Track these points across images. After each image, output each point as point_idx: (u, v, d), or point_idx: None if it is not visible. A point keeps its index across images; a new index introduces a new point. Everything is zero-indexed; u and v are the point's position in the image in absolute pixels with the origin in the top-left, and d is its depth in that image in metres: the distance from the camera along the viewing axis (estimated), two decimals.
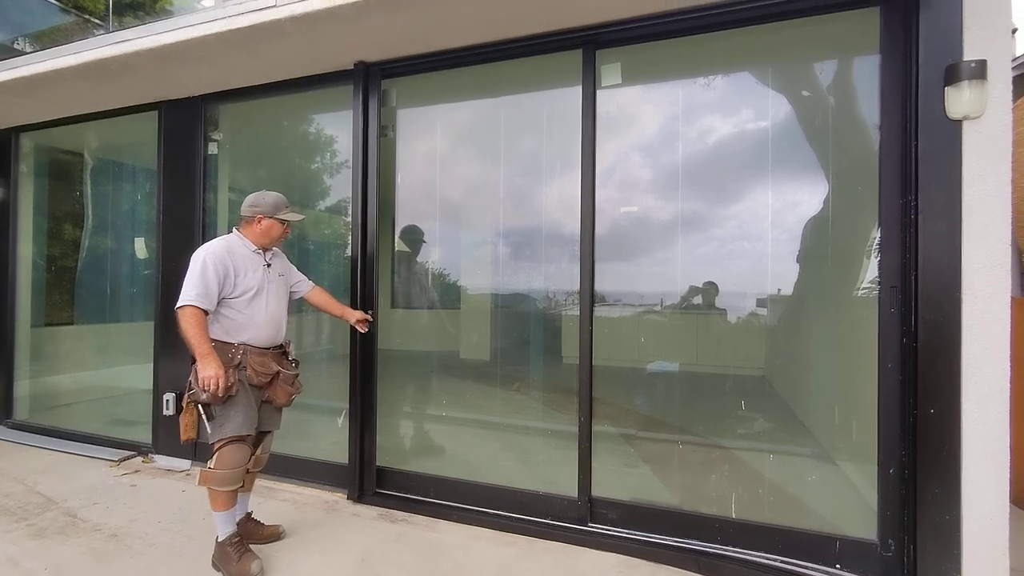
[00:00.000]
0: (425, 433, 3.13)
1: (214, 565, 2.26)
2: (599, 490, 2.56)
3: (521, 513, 2.65)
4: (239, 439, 2.20)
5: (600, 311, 2.61)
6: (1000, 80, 1.97)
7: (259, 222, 2.34)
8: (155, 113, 3.61)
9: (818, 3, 2.26)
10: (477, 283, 3.05)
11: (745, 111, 2.48)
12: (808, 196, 2.39)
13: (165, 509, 2.84)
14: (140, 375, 3.71)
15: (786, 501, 2.37)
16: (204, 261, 2.18)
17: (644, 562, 2.35)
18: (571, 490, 2.58)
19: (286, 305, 2.46)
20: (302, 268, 3.41)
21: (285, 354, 2.44)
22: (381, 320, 3.06)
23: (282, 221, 2.38)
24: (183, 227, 3.50)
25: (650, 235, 2.62)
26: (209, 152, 3.52)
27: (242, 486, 2.31)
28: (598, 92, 2.60)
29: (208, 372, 2.09)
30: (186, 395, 2.19)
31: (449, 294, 3.15)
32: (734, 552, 2.31)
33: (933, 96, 2.04)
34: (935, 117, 2.04)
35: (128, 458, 3.58)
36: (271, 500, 2.95)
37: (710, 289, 2.56)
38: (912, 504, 2.04)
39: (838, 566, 2.18)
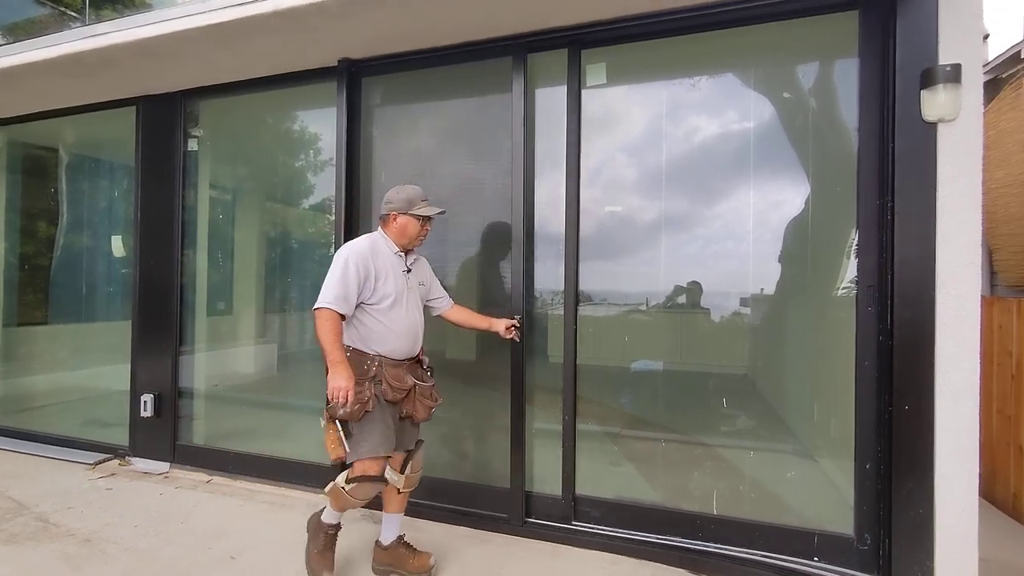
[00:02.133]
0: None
1: (308, 530, 2.20)
2: (583, 488, 2.57)
3: (455, 503, 2.68)
4: (379, 478, 2.06)
5: (585, 310, 2.62)
6: (973, 84, 2.02)
7: (394, 220, 2.16)
8: (133, 108, 3.55)
9: (799, 7, 2.29)
10: (462, 283, 3.03)
11: (728, 112, 2.51)
12: (790, 197, 2.42)
13: (142, 513, 2.79)
14: (117, 376, 3.63)
15: (767, 497, 2.40)
16: (347, 261, 2.01)
17: (627, 559, 2.37)
18: (556, 489, 2.59)
19: (422, 314, 2.25)
20: (285, 267, 3.35)
21: (419, 363, 2.24)
22: None
23: (418, 217, 2.17)
24: (161, 225, 3.44)
25: (635, 234, 2.63)
26: (189, 149, 3.46)
27: (389, 506, 2.23)
28: (583, 92, 2.62)
29: (338, 382, 1.90)
30: (324, 410, 2.01)
31: None
32: (715, 548, 2.34)
33: (910, 99, 2.09)
34: (911, 120, 2.08)
35: (104, 461, 3.50)
36: (251, 502, 2.91)
37: (694, 289, 2.58)
38: (887, 498, 2.08)
39: (816, 559, 2.22)
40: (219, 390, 3.58)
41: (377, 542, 2.25)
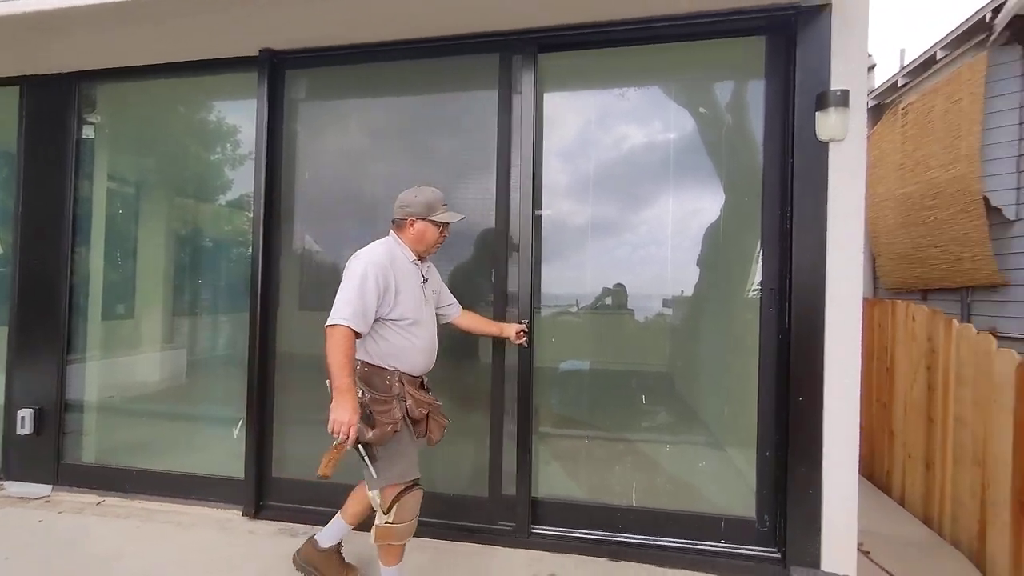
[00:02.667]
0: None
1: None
2: (510, 488, 2.61)
3: (436, 517, 2.63)
4: (415, 484, 1.92)
5: (515, 312, 2.65)
6: (858, 108, 2.26)
7: (411, 225, 2.00)
8: (15, 89, 3.15)
9: (714, 28, 2.45)
10: None
11: (653, 123, 2.63)
12: (707, 205, 2.58)
13: (17, 543, 2.49)
14: None
15: (681, 487, 2.56)
16: (365, 272, 1.84)
17: (551, 555, 2.43)
18: (483, 491, 2.61)
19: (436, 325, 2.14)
20: (197, 266, 3.13)
21: (422, 382, 2.10)
22: (287, 322, 2.90)
23: (437, 223, 2.03)
24: (48, 219, 3.09)
25: (565, 238, 2.70)
26: (84, 136, 3.13)
27: (349, 515, 2.12)
28: (514, 97, 2.64)
29: (342, 415, 1.73)
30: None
31: None
32: (634, 538, 2.46)
33: (806, 120, 2.30)
34: (808, 138, 2.30)
35: None
36: (149, 523, 2.68)
37: (619, 291, 2.69)
38: (783, 483, 2.29)
39: (723, 542, 2.40)
40: (115, 401, 3.27)
41: (312, 539, 2.14)
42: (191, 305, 3.30)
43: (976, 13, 4.46)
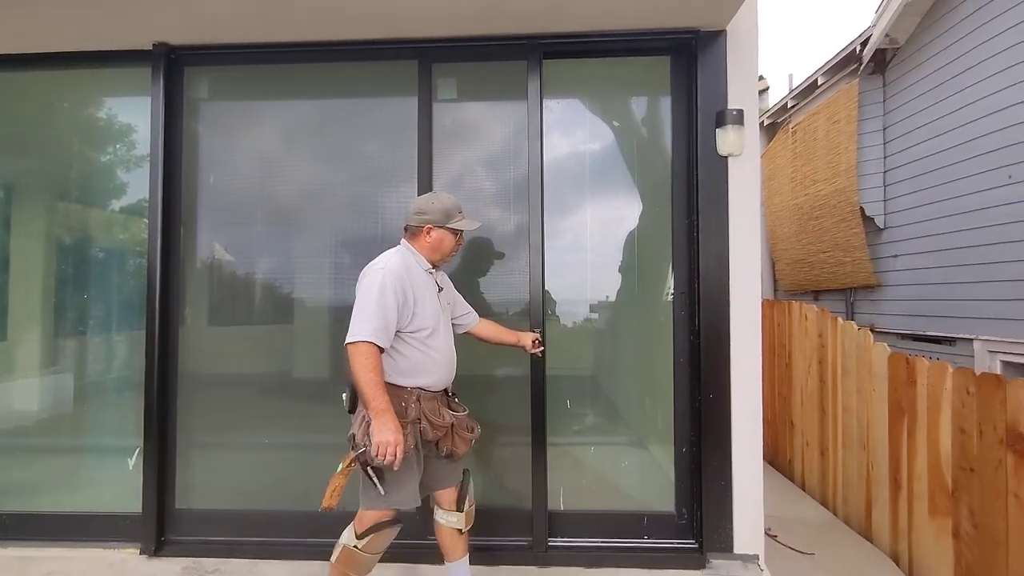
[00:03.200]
0: (243, 465, 2.79)
1: None
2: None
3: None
4: (397, 520, 1.83)
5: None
6: (752, 126, 2.48)
7: (428, 234, 1.90)
8: None
9: (627, 46, 2.58)
10: (313, 295, 2.84)
11: (576, 134, 2.72)
12: (628, 213, 2.70)
13: None
14: None
15: (607, 488, 2.64)
16: (383, 285, 1.73)
17: (484, 568, 2.40)
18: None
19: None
20: (85, 280, 2.86)
21: (446, 392, 1.98)
22: (193, 339, 2.69)
23: (454, 231, 1.93)
24: None
25: (492, 245, 2.70)
26: None
27: (453, 552, 1.96)
28: (434, 104, 2.64)
29: (387, 436, 1.63)
30: (353, 453, 1.73)
31: (281, 308, 2.87)
32: (561, 541, 2.49)
33: (708, 136, 2.48)
34: (709, 153, 2.47)
35: None
36: (29, 574, 2.36)
37: (545, 297, 2.74)
38: (698, 476, 2.43)
39: (646, 537, 2.49)
40: None
41: None
42: (78, 323, 2.95)
43: (848, 45, 5.06)
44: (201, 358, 2.72)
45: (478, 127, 2.73)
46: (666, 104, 2.65)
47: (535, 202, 2.54)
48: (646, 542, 2.48)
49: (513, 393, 2.61)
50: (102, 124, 2.98)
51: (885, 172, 4.91)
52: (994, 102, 3.81)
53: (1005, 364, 3.78)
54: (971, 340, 3.98)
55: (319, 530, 2.55)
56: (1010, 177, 3.67)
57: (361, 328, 1.71)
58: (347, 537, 1.82)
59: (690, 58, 2.52)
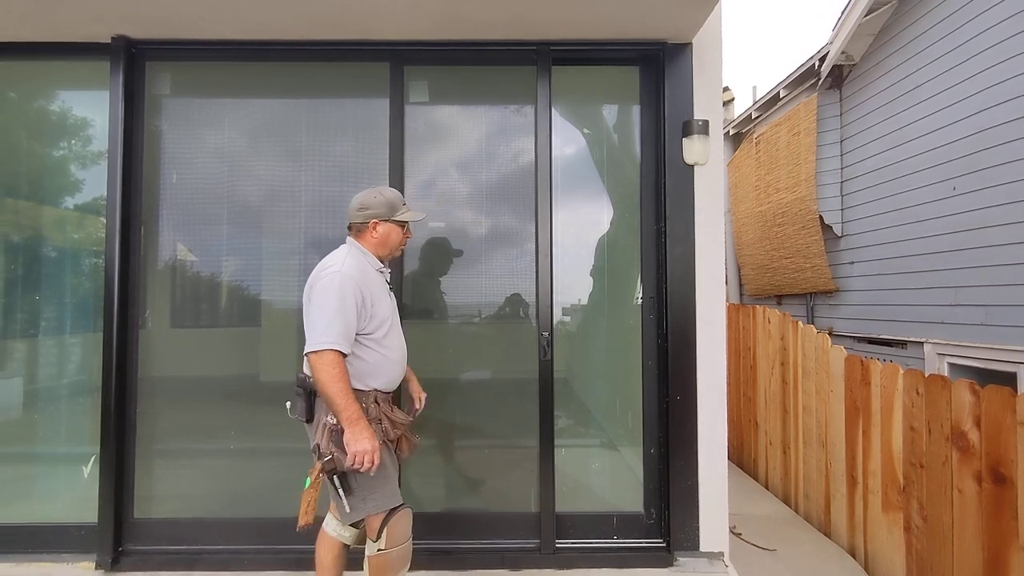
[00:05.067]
0: (207, 472, 2.71)
1: None
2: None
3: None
4: (401, 505, 1.78)
5: (412, 324, 2.61)
6: (717, 136, 2.56)
7: (374, 229, 1.87)
8: None
9: (599, 56, 2.63)
10: (281, 297, 2.78)
11: (553, 138, 2.72)
12: (601, 218, 2.75)
13: None
14: None
15: (579, 489, 2.66)
16: (342, 287, 1.68)
17: (446, 571, 2.39)
18: None
19: None
20: (35, 280, 2.76)
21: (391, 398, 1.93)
22: (154, 342, 2.60)
23: (401, 224, 1.91)
24: None
25: (462, 248, 2.71)
26: None
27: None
28: (406, 107, 2.63)
29: (363, 445, 1.60)
30: (319, 463, 1.66)
31: (247, 310, 2.81)
32: (530, 543, 2.50)
33: (675, 144, 2.55)
34: (676, 162, 2.55)
35: None
36: None
37: (516, 300, 2.76)
38: (665, 476, 2.48)
39: (615, 537, 2.53)
40: None
41: None
42: (28, 325, 2.81)
43: (807, 61, 5.28)
44: (163, 361, 2.64)
45: (449, 130, 2.73)
46: (635, 113, 2.72)
47: (543, 208, 2.57)
48: (615, 542, 2.52)
49: (515, 396, 2.60)
50: (54, 118, 2.85)
51: (842, 182, 5.13)
52: (939, 119, 4.04)
53: (952, 366, 3.99)
54: (921, 343, 4.19)
55: (286, 537, 2.50)
56: (954, 189, 3.90)
57: (323, 336, 1.65)
58: (369, 549, 1.76)
59: (658, 69, 2.59)
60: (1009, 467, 2.08)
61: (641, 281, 2.67)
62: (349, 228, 1.93)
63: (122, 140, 2.49)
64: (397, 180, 2.58)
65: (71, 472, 2.59)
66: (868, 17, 4.56)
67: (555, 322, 2.61)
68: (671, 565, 2.42)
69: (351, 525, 1.85)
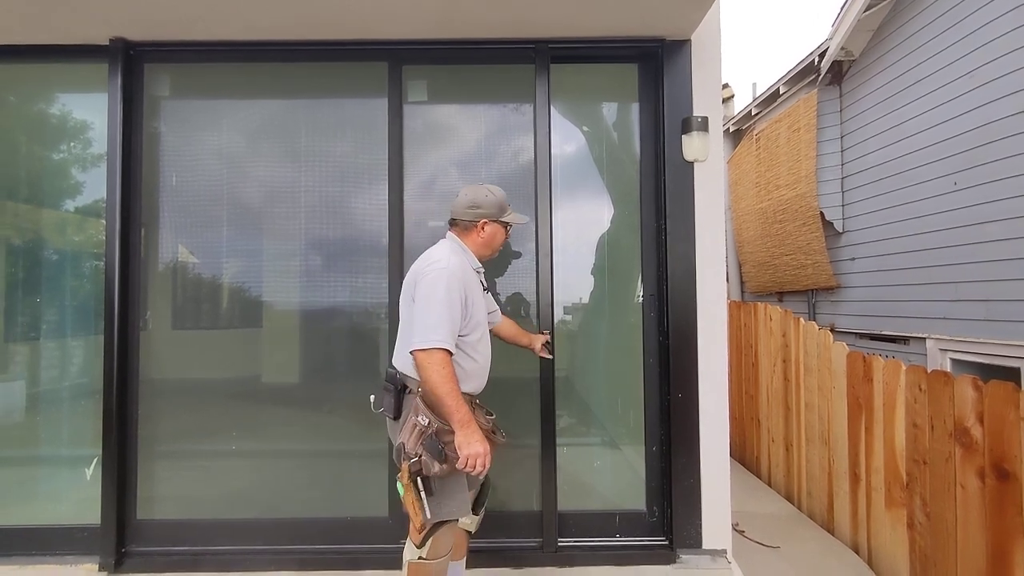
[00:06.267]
0: (209, 473, 2.71)
1: None
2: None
3: (329, 543, 2.49)
4: (453, 520, 1.72)
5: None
6: (716, 133, 2.55)
7: (482, 229, 1.83)
8: None
9: (595, 54, 2.62)
10: (282, 298, 2.78)
11: (552, 135, 2.70)
12: (599, 216, 2.73)
13: None
14: None
15: (581, 487, 2.66)
16: (449, 286, 1.63)
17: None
18: (382, 510, 2.52)
19: None
20: (36, 283, 2.76)
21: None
22: (155, 344, 2.61)
23: (506, 225, 1.87)
24: None
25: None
26: None
27: (456, 551, 1.86)
28: (405, 107, 2.63)
29: (476, 448, 1.56)
30: (406, 464, 1.61)
31: (248, 311, 2.81)
32: (532, 542, 2.50)
33: (675, 141, 2.54)
34: (676, 159, 2.54)
35: None
36: None
37: (516, 299, 2.75)
38: (668, 475, 2.47)
39: (618, 535, 2.53)
40: None
41: None
42: (29, 328, 2.82)
43: (807, 57, 5.26)
44: (164, 363, 2.64)
45: (448, 129, 2.73)
46: (635, 110, 2.71)
47: (543, 206, 2.55)
48: (618, 540, 2.52)
49: (516, 395, 2.60)
50: (54, 121, 2.86)
51: (843, 179, 5.12)
52: (940, 113, 4.03)
53: (955, 362, 3.98)
54: (924, 339, 4.18)
55: (289, 538, 2.51)
56: (955, 184, 3.89)
57: (433, 334, 1.59)
58: (410, 553, 1.73)
59: (657, 66, 2.59)
60: (1013, 463, 2.07)
61: (642, 279, 2.66)
62: (452, 223, 1.88)
63: (121, 142, 2.49)
64: (396, 179, 2.59)
65: (74, 474, 2.60)
66: (867, 13, 4.54)
67: (556, 321, 2.60)
68: (674, 562, 2.42)
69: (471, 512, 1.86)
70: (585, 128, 2.80)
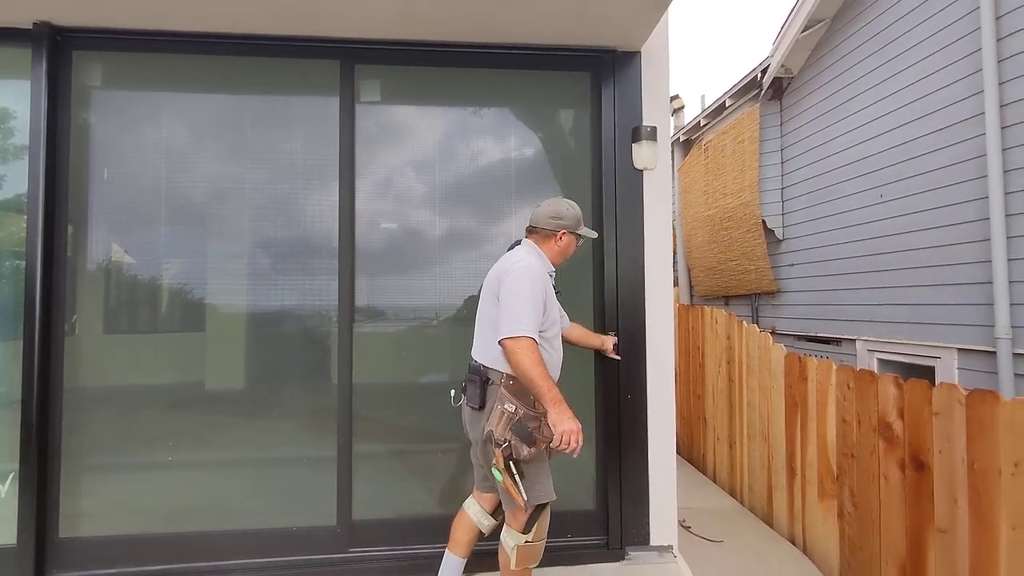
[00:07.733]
0: (143, 486, 2.56)
1: None
2: (361, 512, 2.49)
3: (274, 555, 2.40)
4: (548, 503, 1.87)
5: (366, 327, 2.56)
6: (664, 142, 2.64)
7: (559, 238, 2.01)
8: None
9: (547, 62, 2.66)
10: (227, 300, 2.66)
11: (508, 140, 2.73)
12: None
13: None
14: None
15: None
16: (532, 284, 1.79)
17: None
18: (330, 518, 2.45)
19: None
20: None
21: None
22: (84, 349, 2.44)
23: (579, 238, 2.06)
24: None
25: (416, 250, 2.67)
26: None
27: (461, 548, 2.04)
28: (357, 106, 2.58)
29: (569, 425, 1.68)
30: (498, 451, 1.72)
31: (191, 314, 2.67)
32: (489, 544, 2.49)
33: (625, 150, 2.61)
34: (627, 166, 2.61)
35: None
36: None
37: (473, 301, 2.75)
38: (618, 473, 2.53)
39: (569, 535, 2.56)
40: None
41: None
42: None
43: (751, 72, 5.53)
44: (94, 370, 2.47)
45: (402, 129, 2.70)
46: (587, 118, 2.76)
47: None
48: (569, 540, 2.55)
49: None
50: None
51: (783, 189, 5.41)
52: (868, 131, 4.33)
53: (881, 361, 4.27)
54: (854, 340, 4.46)
55: (235, 551, 2.40)
56: (882, 196, 4.18)
57: (520, 323, 1.73)
58: (513, 538, 1.85)
59: (608, 76, 2.65)
60: (927, 455, 2.25)
61: (593, 283, 2.71)
62: (530, 231, 2.05)
63: (45, 133, 2.32)
64: (348, 179, 2.54)
65: None
66: (805, 33, 4.83)
67: None
68: (623, 559, 2.48)
69: (490, 513, 2.04)
70: (540, 135, 2.83)
